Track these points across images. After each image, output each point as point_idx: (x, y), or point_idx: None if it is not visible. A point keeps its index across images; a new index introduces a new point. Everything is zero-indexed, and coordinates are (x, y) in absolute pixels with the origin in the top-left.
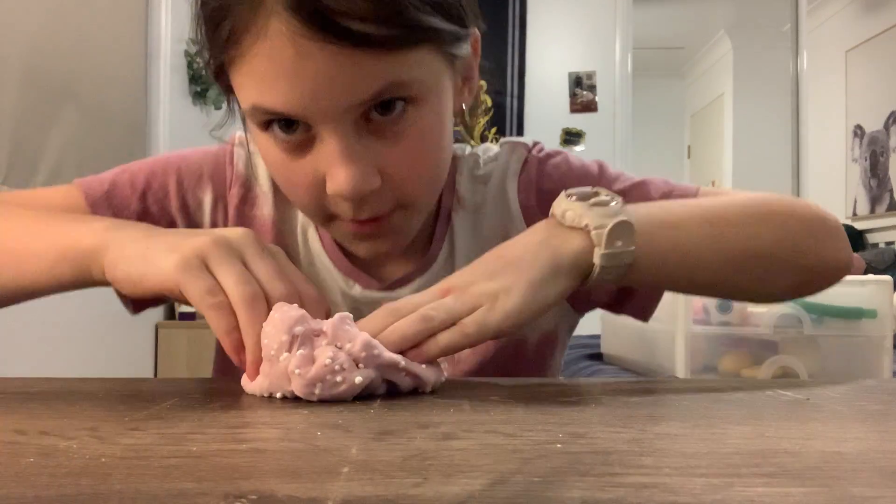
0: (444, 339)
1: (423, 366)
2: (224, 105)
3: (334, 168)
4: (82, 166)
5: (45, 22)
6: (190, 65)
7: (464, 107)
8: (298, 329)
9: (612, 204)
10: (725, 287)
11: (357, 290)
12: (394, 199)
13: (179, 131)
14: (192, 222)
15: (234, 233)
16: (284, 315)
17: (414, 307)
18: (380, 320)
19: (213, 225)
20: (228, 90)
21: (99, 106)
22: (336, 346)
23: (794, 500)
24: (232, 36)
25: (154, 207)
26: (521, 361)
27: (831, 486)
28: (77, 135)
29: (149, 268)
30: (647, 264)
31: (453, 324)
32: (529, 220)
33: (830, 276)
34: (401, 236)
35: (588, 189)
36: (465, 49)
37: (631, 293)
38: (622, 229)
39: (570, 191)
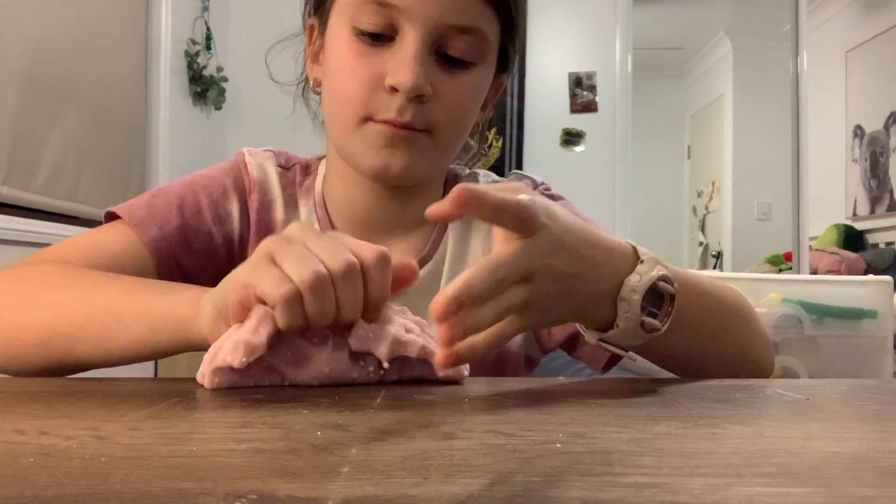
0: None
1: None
2: (223, 105)
3: (402, 65)
4: (82, 166)
5: (45, 22)
6: (190, 65)
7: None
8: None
9: (653, 330)
10: (682, 369)
11: None
12: (430, 120)
13: (179, 131)
14: (226, 231)
15: (292, 227)
16: None
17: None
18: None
19: (241, 231)
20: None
21: (99, 106)
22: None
23: (794, 500)
24: None
25: (192, 220)
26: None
27: (831, 486)
28: (77, 135)
29: (228, 292)
30: (639, 349)
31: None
32: None
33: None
34: (415, 163)
35: (670, 287)
36: (501, 78)
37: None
38: (625, 354)
39: (663, 279)
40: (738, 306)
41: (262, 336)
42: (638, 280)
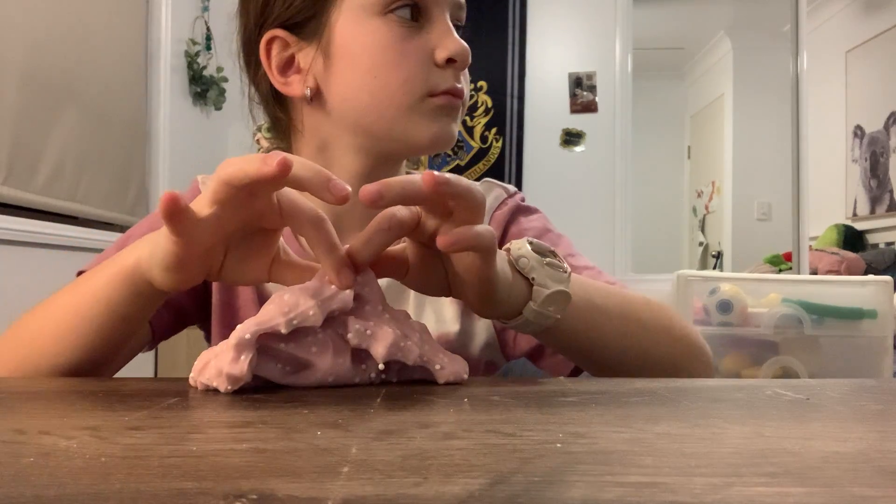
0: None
1: (448, 359)
2: (223, 105)
3: (450, 39)
4: (82, 166)
5: (45, 22)
6: (190, 65)
7: None
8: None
9: (562, 271)
10: (603, 373)
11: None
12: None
13: (179, 131)
14: None
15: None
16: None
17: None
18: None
19: None
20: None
21: (99, 106)
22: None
23: (794, 500)
24: None
25: None
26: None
27: (831, 486)
28: (77, 135)
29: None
30: (561, 333)
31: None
32: None
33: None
34: (457, 128)
35: (547, 246)
36: None
37: (545, 352)
38: (559, 297)
39: (533, 240)
40: (647, 301)
41: (244, 365)
42: (517, 246)
